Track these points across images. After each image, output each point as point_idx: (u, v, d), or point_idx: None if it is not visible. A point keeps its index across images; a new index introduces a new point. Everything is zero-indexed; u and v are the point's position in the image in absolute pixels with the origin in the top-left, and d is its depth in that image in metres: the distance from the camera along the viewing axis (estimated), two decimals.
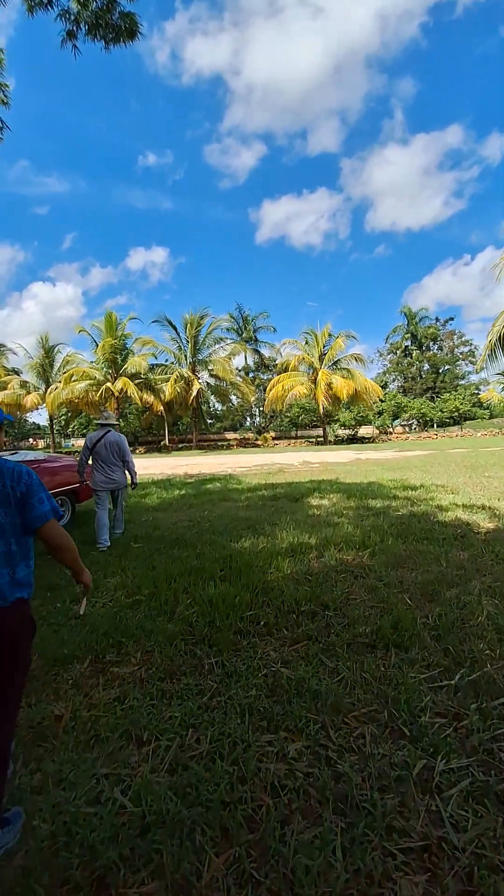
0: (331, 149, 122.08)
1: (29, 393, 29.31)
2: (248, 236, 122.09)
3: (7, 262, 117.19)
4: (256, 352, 50.90)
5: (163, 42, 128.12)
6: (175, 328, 31.14)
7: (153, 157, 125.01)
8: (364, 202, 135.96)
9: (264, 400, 35.97)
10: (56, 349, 31.46)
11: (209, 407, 45.26)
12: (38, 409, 31.28)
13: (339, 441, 35.61)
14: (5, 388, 28.91)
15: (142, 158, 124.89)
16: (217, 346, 32.39)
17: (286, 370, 34.15)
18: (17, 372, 32.87)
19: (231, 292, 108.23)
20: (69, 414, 39.06)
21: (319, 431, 40.28)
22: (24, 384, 30.25)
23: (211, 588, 3.61)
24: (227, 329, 46.83)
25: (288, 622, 3.03)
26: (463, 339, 56.84)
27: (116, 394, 28.00)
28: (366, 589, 3.55)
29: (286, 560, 4.27)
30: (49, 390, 28.81)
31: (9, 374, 31.82)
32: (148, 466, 18.25)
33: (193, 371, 31.07)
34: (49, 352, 31.28)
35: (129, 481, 5.68)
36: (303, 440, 38.93)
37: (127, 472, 5.63)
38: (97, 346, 28.65)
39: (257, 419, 52.49)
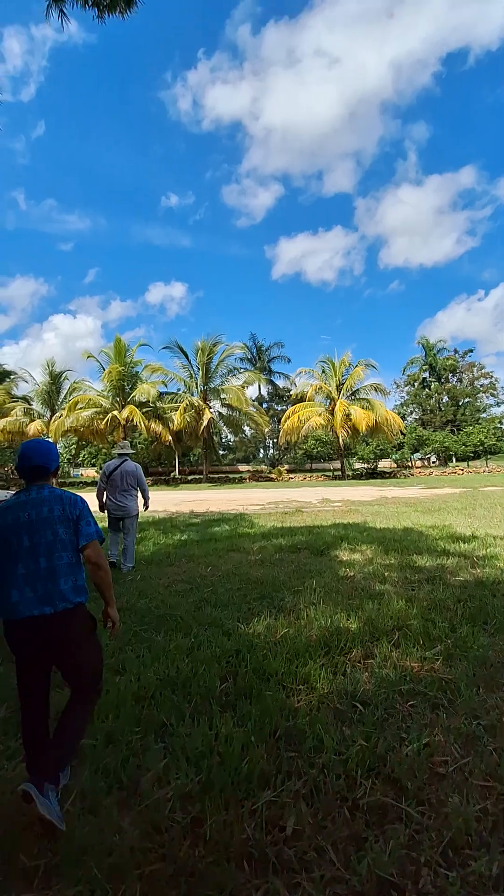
0: (346, 189, 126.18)
1: (33, 420, 28.67)
2: (264, 272, 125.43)
3: (30, 295, 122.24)
4: (271, 382, 50.37)
5: (185, 90, 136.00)
6: (186, 355, 30.58)
7: (175, 197, 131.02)
8: (378, 240, 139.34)
9: (278, 431, 34.87)
10: (63, 376, 31.07)
11: (221, 438, 44.35)
12: (44, 437, 30.58)
13: (358, 475, 34.05)
14: (7, 415, 28.32)
15: (165, 199, 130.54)
16: (230, 374, 31.71)
17: (301, 400, 33.17)
18: (27, 400, 32.50)
19: (247, 325, 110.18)
20: (79, 443, 38.44)
21: (336, 464, 38.82)
22: (27, 411, 29.66)
23: (203, 726, 2.28)
24: (241, 359, 46.67)
25: (335, 826, 1.69)
26: (483, 370, 55.75)
27: (123, 422, 27.19)
28: (456, 737, 2.19)
29: (319, 663, 2.92)
30: (53, 418, 28.15)
31: (14, 401, 31.38)
32: (152, 501, 17.00)
33: (205, 400, 30.25)
34: (55, 378, 30.85)
35: (143, 506, 6.27)
36: (319, 474, 37.46)
37: (141, 497, 6.18)
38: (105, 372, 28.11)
39: (271, 451, 51.33)
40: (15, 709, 2.39)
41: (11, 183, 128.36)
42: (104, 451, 44.23)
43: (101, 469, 6.15)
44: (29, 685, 1.87)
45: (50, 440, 2.39)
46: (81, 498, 2.01)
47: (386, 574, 5.11)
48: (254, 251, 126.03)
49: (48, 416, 29.68)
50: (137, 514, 6.06)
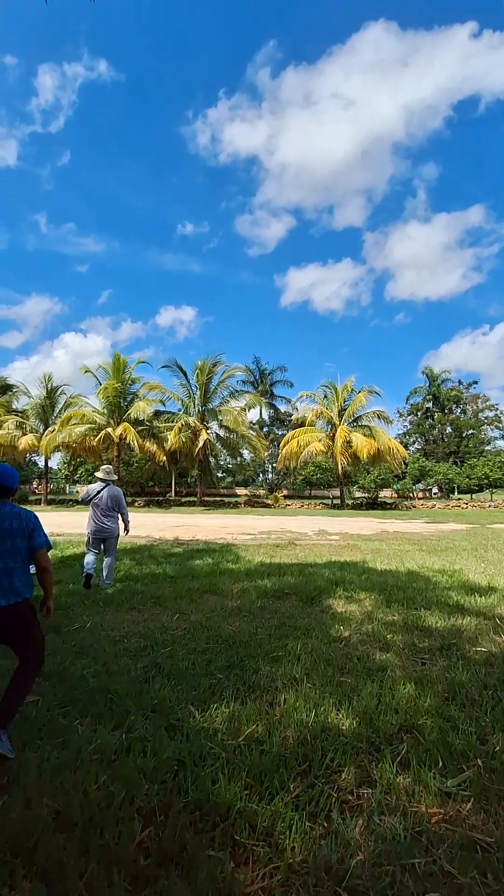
0: (356, 223, 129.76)
1: (24, 434, 27.88)
2: (273, 300, 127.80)
3: (44, 313, 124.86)
4: (272, 406, 49.87)
5: (205, 126, 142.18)
6: (185, 374, 30.06)
7: (191, 226, 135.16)
8: (385, 273, 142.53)
9: (277, 456, 34.09)
10: (60, 391, 30.47)
11: (218, 460, 43.53)
12: (35, 452, 29.78)
13: (358, 505, 33.01)
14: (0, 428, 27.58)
15: (180, 227, 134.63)
16: (231, 396, 31.09)
17: (302, 425, 32.49)
18: (23, 414, 31.75)
19: (253, 350, 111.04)
20: (78, 459, 37.67)
21: (335, 492, 37.88)
22: (20, 425, 28.90)
23: None
24: (243, 381, 46.27)
25: None
26: (488, 403, 55.27)
27: (116, 440, 26.41)
28: None
29: (292, 796, 2.02)
30: (45, 432, 27.39)
31: (9, 414, 30.70)
32: (137, 525, 16.02)
33: (202, 421, 29.55)
34: (51, 393, 30.24)
35: (123, 529, 6.58)
36: (317, 502, 36.43)
37: (121, 521, 6.52)
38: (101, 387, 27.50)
39: (270, 475, 50.38)
40: None
41: (35, 207, 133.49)
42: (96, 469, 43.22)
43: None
44: None
45: (11, 466, 2.67)
46: (35, 514, 2.60)
47: (389, 637, 4.18)
48: (264, 279, 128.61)
49: (42, 430, 28.93)
50: (118, 536, 6.43)
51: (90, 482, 48.05)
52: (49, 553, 2.67)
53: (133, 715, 2.73)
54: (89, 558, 6.08)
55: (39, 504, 28.58)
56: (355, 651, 3.82)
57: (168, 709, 2.79)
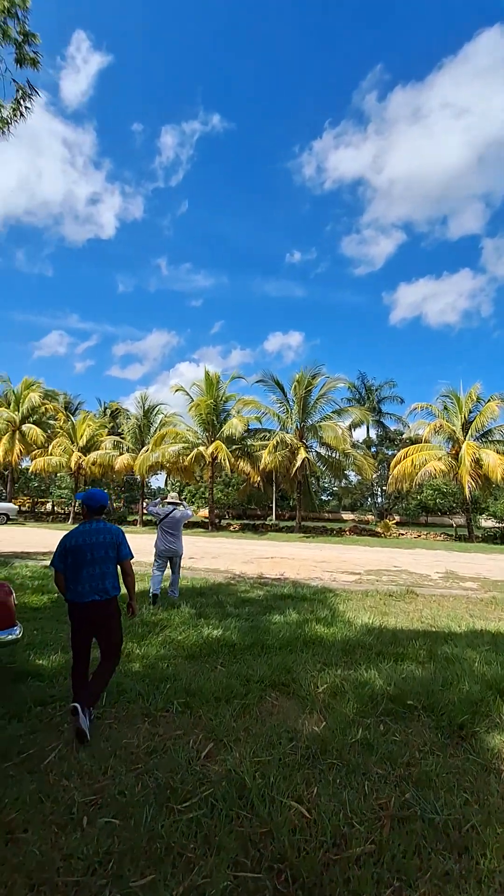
0: (473, 230, 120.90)
1: (121, 454, 28.50)
2: (381, 318, 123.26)
3: (162, 346, 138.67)
4: (380, 423, 46.12)
5: (310, 157, 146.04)
6: (282, 388, 28.40)
7: (298, 254, 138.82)
8: None
9: (388, 477, 30.59)
10: (156, 410, 30.87)
11: (320, 482, 40.93)
12: (130, 472, 30.34)
13: (490, 537, 27.95)
14: (98, 448, 28.49)
15: (289, 256, 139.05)
16: (331, 411, 28.71)
17: (416, 442, 28.75)
18: (121, 435, 32.97)
19: (361, 369, 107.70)
20: (184, 482, 38.28)
21: (459, 520, 32.93)
22: (117, 444, 29.68)
23: None
24: (348, 399, 43.45)
25: None
26: None
27: (209, 459, 25.55)
28: None
29: None
30: (141, 452, 27.65)
31: (111, 435, 31.93)
32: (220, 555, 14.40)
33: (301, 438, 27.55)
34: (147, 413, 30.75)
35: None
36: (436, 531, 31.89)
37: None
38: (193, 404, 27.07)
39: (379, 499, 46.20)
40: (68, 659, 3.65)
41: (157, 252, 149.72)
42: (202, 490, 43.47)
43: (157, 511, 7.02)
44: (80, 643, 3.10)
45: (104, 491, 3.52)
46: (121, 530, 3.34)
47: None
48: (371, 298, 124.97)
49: (139, 450, 29.47)
50: (182, 555, 7.11)
51: (192, 503, 48.86)
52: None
53: None
54: (157, 577, 6.79)
55: (135, 525, 28.81)
56: None
57: None
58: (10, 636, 3.64)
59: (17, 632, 3.72)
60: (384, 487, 39.44)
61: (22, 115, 7.49)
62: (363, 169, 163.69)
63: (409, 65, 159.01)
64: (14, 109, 7.42)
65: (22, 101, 7.43)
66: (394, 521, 33.67)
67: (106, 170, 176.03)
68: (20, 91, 7.39)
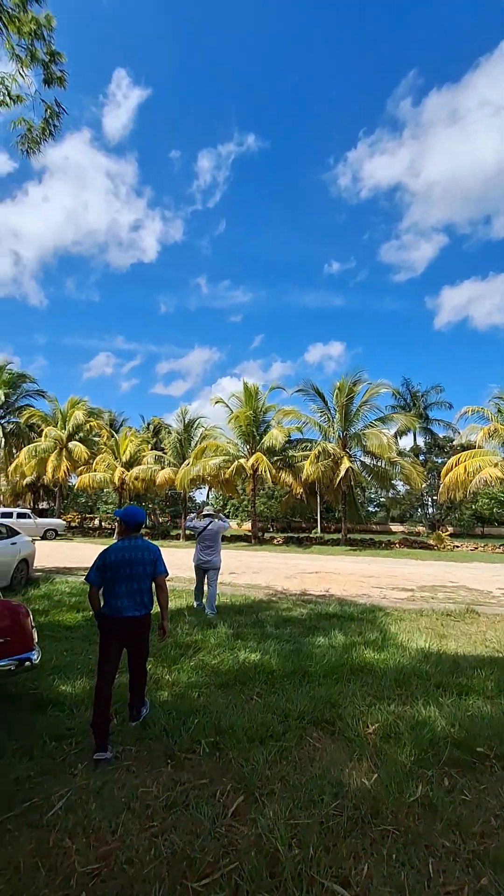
0: None
1: (163, 468, 28.76)
2: (425, 323, 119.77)
3: (203, 362, 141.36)
4: (428, 430, 44.34)
5: (345, 168, 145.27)
6: (322, 397, 27.77)
7: (337, 264, 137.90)
8: None
9: (438, 486, 29.12)
10: (196, 423, 31.05)
11: (366, 492, 39.62)
12: (171, 487, 30.54)
13: None
14: (141, 463, 28.88)
15: (327, 266, 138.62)
16: (375, 418, 27.76)
17: (469, 448, 27.22)
18: (162, 449, 33.41)
19: (406, 376, 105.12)
20: (227, 495, 38.28)
21: None
22: (158, 459, 29.99)
23: None
24: (393, 407, 42.11)
25: None
26: None
27: (249, 471, 25.24)
28: None
29: None
30: (182, 466, 27.80)
31: (153, 450, 32.40)
32: (261, 569, 13.94)
33: (344, 447, 26.76)
34: (188, 427, 30.96)
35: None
36: (494, 543, 29.91)
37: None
38: (233, 416, 26.95)
39: (430, 509, 44.14)
40: (93, 686, 3.22)
41: (196, 272, 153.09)
42: (245, 503, 43.29)
43: (193, 524, 7.24)
44: (109, 658, 3.09)
45: (143, 507, 3.57)
46: (158, 547, 3.45)
47: None
48: (413, 303, 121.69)
49: (180, 464, 29.67)
50: (219, 568, 7.15)
51: (235, 517, 48.74)
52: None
53: None
54: (198, 587, 7.19)
55: (178, 539, 28.86)
56: None
57: None
58: (27, 661, 3.40)
59: (35, 656, 3.48)
60: (435, 497, 37.61)
61: (51, 133, 7.62)
62: (400, 174, 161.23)
63: (443, 67, 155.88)
64: (43, 129, 7.55)
65: (50, 120, 7.56)
66: (447, 533, 31.99)
67: (147, 197, 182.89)
68: (48, 110, 7.52)
